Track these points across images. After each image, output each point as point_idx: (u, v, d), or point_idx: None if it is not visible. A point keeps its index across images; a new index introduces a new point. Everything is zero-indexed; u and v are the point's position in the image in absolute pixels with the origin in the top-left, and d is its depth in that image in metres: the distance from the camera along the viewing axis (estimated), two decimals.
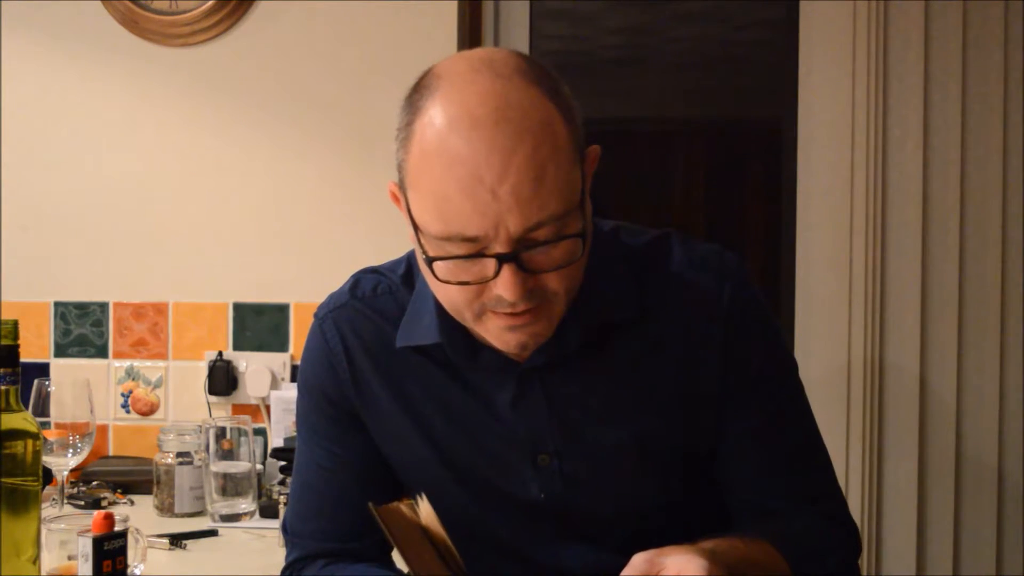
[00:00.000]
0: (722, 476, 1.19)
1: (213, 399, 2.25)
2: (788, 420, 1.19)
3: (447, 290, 1.05)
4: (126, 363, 2.29)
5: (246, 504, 1.91)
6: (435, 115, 1.00)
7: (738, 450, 1.16)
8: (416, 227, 1.04)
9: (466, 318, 1.07)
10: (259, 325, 2.27)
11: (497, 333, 1.06)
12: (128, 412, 2.29)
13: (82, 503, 1.98)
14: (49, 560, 1.28)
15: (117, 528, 1.16)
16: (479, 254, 1.00)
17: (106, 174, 2.30)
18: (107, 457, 2.25)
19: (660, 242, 1.19)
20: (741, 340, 1.14)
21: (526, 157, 0.98)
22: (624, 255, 1.17)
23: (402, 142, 1.04)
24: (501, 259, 1.00)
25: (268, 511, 1.91)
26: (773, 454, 1.17)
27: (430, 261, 1.03)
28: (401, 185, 1.07)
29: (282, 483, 1.94)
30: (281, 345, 2.26)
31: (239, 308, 2.28)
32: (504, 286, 1.00)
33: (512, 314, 1.04)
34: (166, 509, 1.95)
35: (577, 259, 1.03)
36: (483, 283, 1.02)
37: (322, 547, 1.25)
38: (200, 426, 1.98)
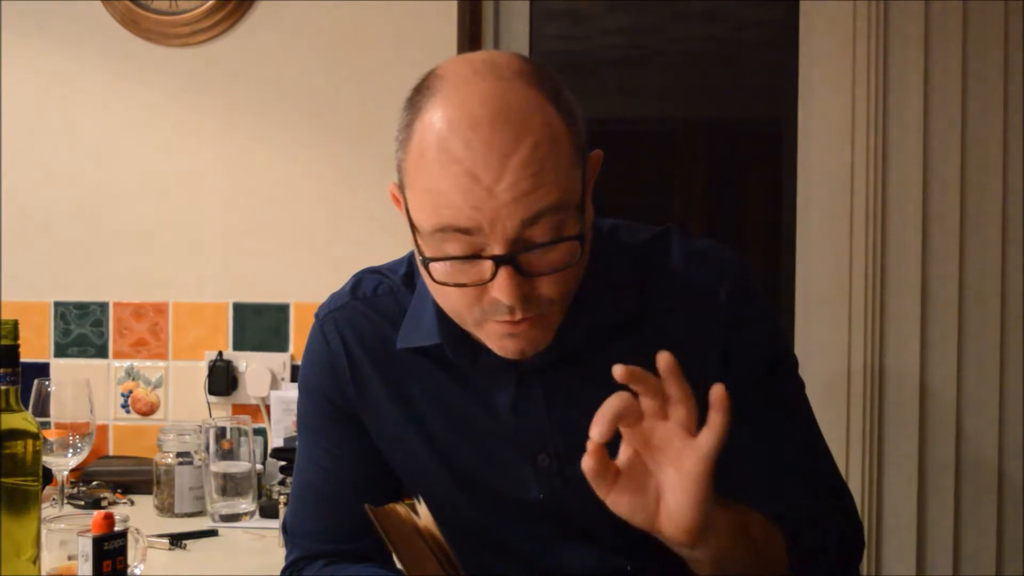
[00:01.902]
0: (721, 473, 1.19)
1: (213, 399, 2.25)
2: (788, 415, 1.19)
3: (446, 294, 1.05)
4: (126, 363, 2.29)
5: (246, 504, 1.91)
6: (435, 116, 1.00)
7: (737, 446, 1.16)
8: (414, 228, 1.04)
9: (467, 322, 1.07)
10: (259, 325, 2.27)
11: (496, 339, 1.06)
12: (128, 412, 2.29)
13: (82, 503, 1.98)
14: (49, 560, 1.29)
15: (117, 528, 1.16)
16: (476, 256, 1.00)
17: (106, 174, 2.30)
18: (107, 457, 2.25)
19: (659, 239, 1.19)
20: (740, 336, 1.14)
21: (525, 157, 0.98)
22: (623, 254, 1.17)
23: (402, 143, 1.04)
24: (498, 261, 0.99)
25: (268, 511, 1.91)
26: (773, 449, 1.16)
27: (427, 262, 1.03)
28: (400, 186, 1.07)
29: (282, 483, 1.94)
30: (281, 345, 2.26)
31: (239, 308, 2.28)
32: (500, 289, 1.00)
33: (510, 322, 1.04)
34: (166, 509, 1.95)
35: (575, 262, 1.03)
36: (479, 285, 1.02)
37: (322, 547, 1.25)
38: (200, 426, 1.98)
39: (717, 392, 0.90)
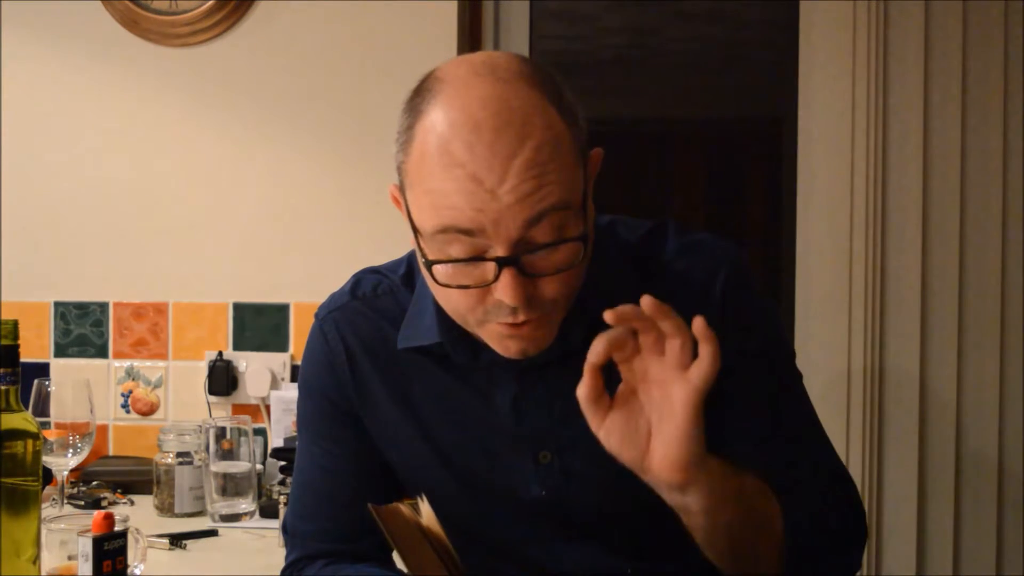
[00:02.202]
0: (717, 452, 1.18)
1: (213, 399, 2.25)
2: (786, 402, 1.18)
3: (449, 295, 1.05)
4: (126, 363, 2.29)
5: (246, 504, 1.91)
6: (436, 119, 1.00)
7: (735, 436, 1.15)
8: (415, 230, 1.04)
9: (469, 323, 1.07)
10: (259, 325, 2.27)
11: (498, 340, 1.06)
12: (128, 412, 2.29)
13: (82, 503, 1.98)
14: (49, 560, 1.28)
15: (117, 528, 1.16)
16: (479, 258, 1.00)
17: (106, 174, 2.30)
18: (107, 457, 2.25)
19: (656, 233, 1.19)
20: (736, 324, 1.14)
21: (527, 159, 0.98)
22: (622, 249, 1.17)
23: (402, 145, 1.04)
24: (501, 263, 0.99)
25: (268, 511, 1.91)
26: (772, 436, 1.16)
27: (429, 265, 1.03)
28: (401, 187, 1.07)
29: (282, 483, 1.94)
30: (281, 345, 2.26)
31: (239, 308, 2.28)
32: (504, 291, 1.00)
33: (513, 324, 1.04)
34: (166, 509, 1.95)
35: (578, 262, 1.03)
36: (483, 287, 1.02)
37: (322, 547, 1.25)
38: (200, 426, 1.98)
39: (699, 325, 0.92)
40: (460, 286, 1.02)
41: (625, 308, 0.92)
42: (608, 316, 0.92)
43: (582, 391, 0.94)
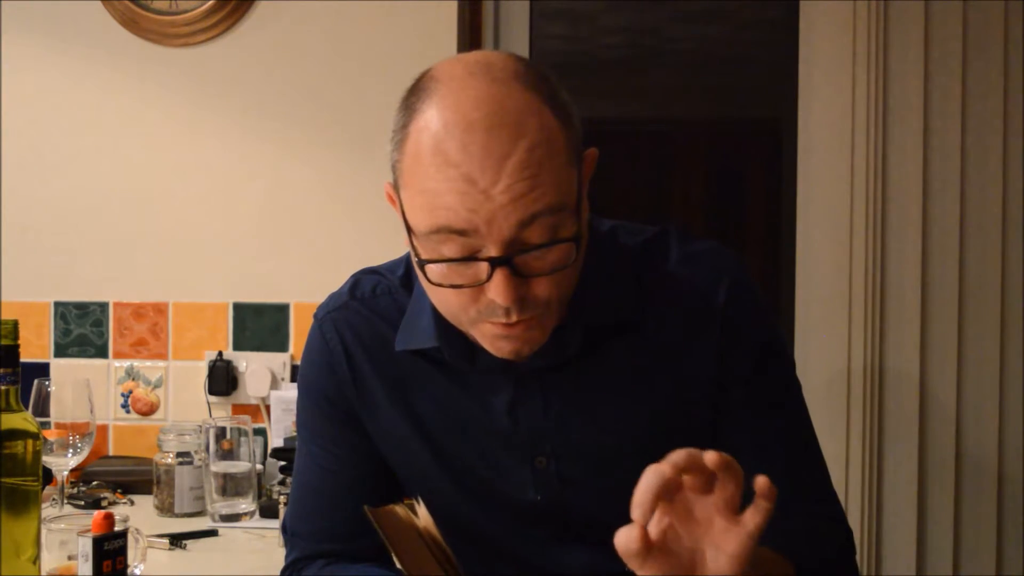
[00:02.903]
0: None
1: (213, 399, 2.25)
2: (785, 418, 1.19)
3: (442, 295, 1.05)
4: (126, 363, 2.29)
5: (246, 504, 1.91)
6: (430, 118, 1.00)
7: (731, 448, 1.15)
8: (409, 229, 1.04)
9: (462, 323, 1.07)
10: (259, 325, 2.27)
11: (491, 340, 1.06)
12: (128, 412, 2.29)
13: (82, 503, 1.98)
14: (49, 560, 1.29)
15: (117, 528, 1.16)
16: (472, 257, 1.00)
17: (106, 174, 2.30)
18: (107, 457, 2.25)
19: (658, 240, 1.19)
20: (738, 337, 1.14)
21: (520, 159, 0.98)
22: (622, 255, 1.17)
23: (397, 144, 1.04)
24: (494, 263, 0.99)
25: (268, 511, 1.91)
26: (767, 452, 1.16)
27: (423, 264, 1.03)
28: (395, 186, 1.07)
29: (282, 483, 1.94)
30: (281, 345, 2.27)
31: (239, 308, 2.28)
32: (497, 291, 1.00)
33: (506, 324, 1.04)
34: (166, 509, 1.95)
35: (571, 263, 1.03)
36: (475, 286, 1.02)
37: (322, 547, 1.25)
38: (200, 426, 1.98)
39: (763, 482, 0.86)
40: (453, 285, 1.02)
41: (679, 457, 0.85)
42: (665, 468, 0.84)
43: (626, 544, 0.84)
